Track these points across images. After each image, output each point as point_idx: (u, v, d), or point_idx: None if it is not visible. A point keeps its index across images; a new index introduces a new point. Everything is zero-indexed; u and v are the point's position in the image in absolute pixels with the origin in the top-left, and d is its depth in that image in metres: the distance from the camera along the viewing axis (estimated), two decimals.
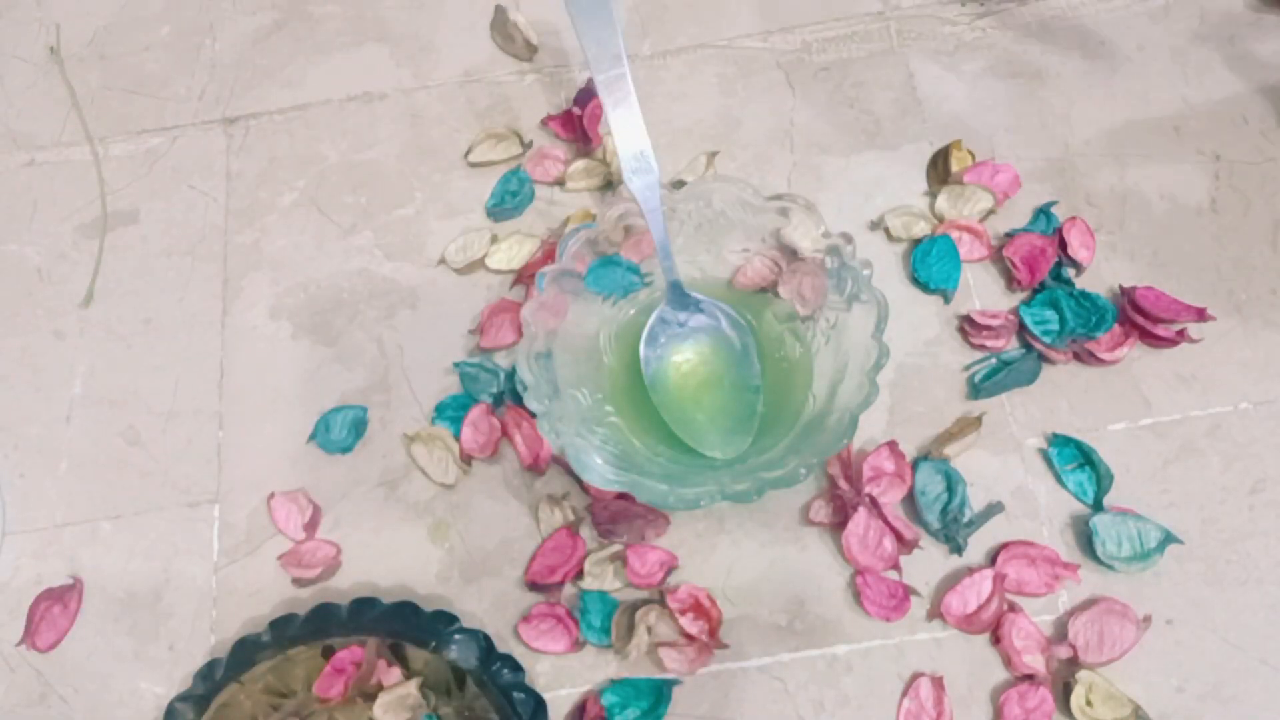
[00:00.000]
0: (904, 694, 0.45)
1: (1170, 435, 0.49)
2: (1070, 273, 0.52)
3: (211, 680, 0.45)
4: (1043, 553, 0.46)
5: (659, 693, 0.45)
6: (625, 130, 0.47)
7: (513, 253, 0.55)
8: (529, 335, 0.46)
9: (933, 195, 0.54)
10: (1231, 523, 0.47)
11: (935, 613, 0.46)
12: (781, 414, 0.48)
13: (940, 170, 0.55)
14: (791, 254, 0.49)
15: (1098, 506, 0.47)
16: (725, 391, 0.49)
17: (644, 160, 0.47)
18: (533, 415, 0.46)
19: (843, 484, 0.47)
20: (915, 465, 0.48)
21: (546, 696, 0.45)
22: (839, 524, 0.47)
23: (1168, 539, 0.46)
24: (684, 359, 0.49)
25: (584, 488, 0.49)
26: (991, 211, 0.54)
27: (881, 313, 0.44)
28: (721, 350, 0.49)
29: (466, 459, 0.50)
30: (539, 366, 0.46)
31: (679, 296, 0.49)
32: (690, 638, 0.45)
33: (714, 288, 0.51)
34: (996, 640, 0.45)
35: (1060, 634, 0.45)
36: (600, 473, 0.44)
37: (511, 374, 0.52)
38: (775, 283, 0.50)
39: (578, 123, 0.57)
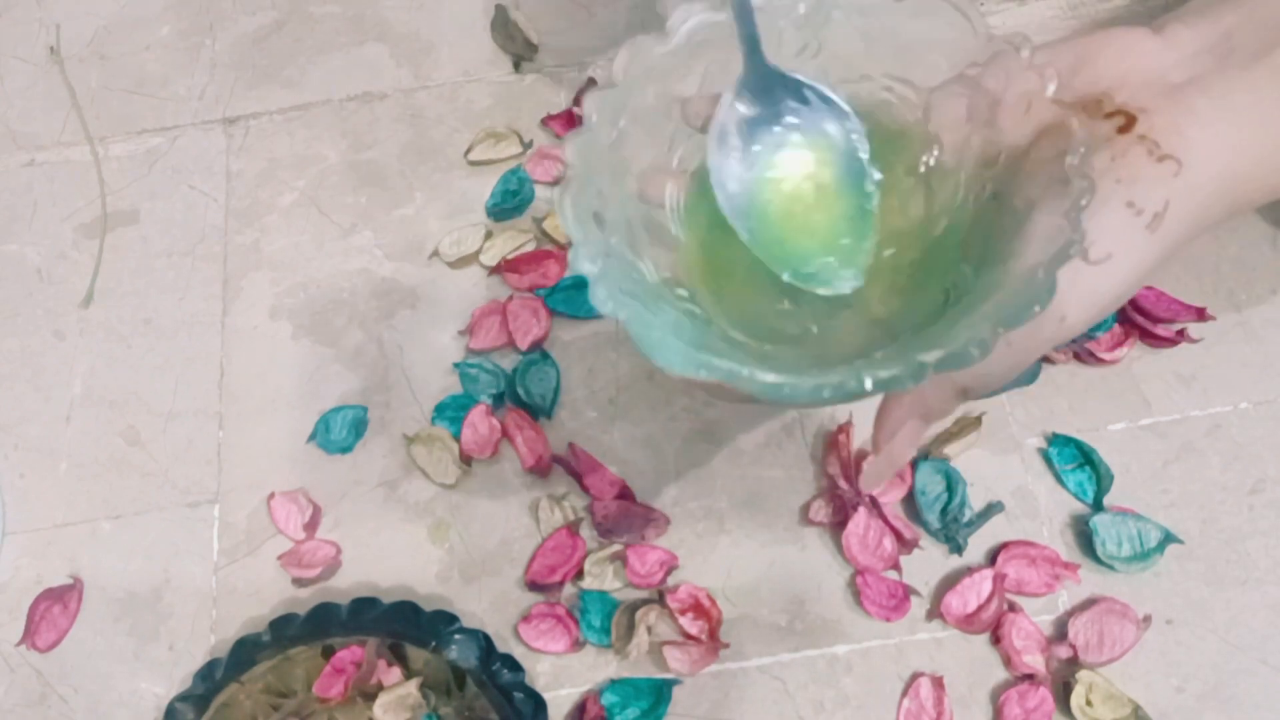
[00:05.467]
0: (904, 694, 0.45)
1: (1170, 435, 0.49)
2: None
3: (211, 680, 0.45)
4: (1043, 553, 0.46)
5: (659, 693, 0.45)
6: None
7: (507, 248, 0.54)
8: (575, 179, 0.33)
9: None
10: (1231, 523, 0.47)
11: (935, 613, 0.46)
12: (925, 272, 0.36)
13: None
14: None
15: (1098, 506, 0.47)
16: (831, 200, 0.37)
17: None
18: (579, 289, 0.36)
19: (843, 484, 0.47)
20: (915, 465, 0.48)
21: (546, 696, 0.45)
22: (839, 524, 0.47)
23: (1168, 539, 0.46)
24: (777, 171, 0.36)
25: (584, 488, 0.49)
26: None
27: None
28: (826, 153, 0.36)
29: (466, 459, 0.50)
30: (590, 221, 0.33)
31: (760, 75, 0.35)
32: (691, 637, 0.45)
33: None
34: (996, 640, 0.45)
35: (1060, 634, 0.45)
36: (683, 356, 0.31)
37: (512, 375, 0.51)
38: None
39: (578, 122, 0.57)
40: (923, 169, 0.37)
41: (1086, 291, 0.33)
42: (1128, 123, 0.34)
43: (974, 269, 0.34)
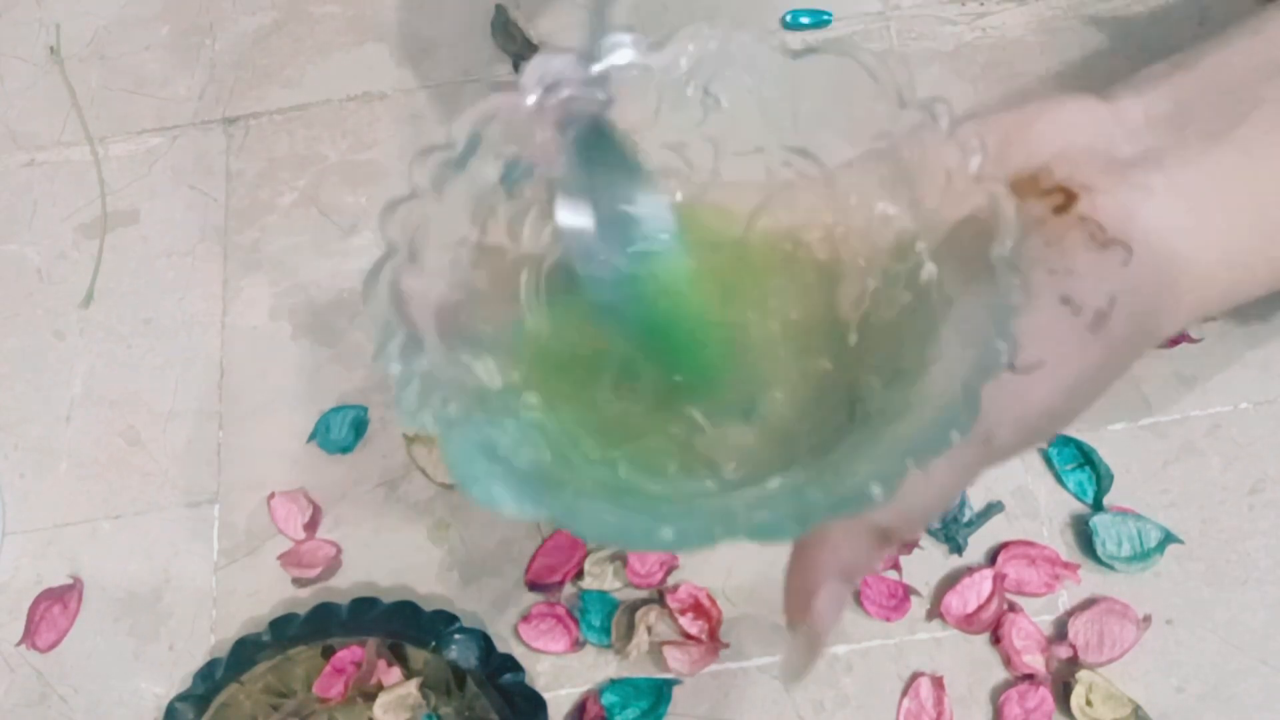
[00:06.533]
0: (904, 694, 0.45)
1: (1170, 435, 0.48)
2: None
3: (211, 680, 0.45)
4: (1043, 553, 0.46)
5: (659, 693, 0.45)
6: None
7: None
8: (396, 257, 0.28)
9: None
10: (1231, 523, 0.47)
11: (935, 613, 0.46)
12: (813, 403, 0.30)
13: None
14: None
15: (1098, 506, 0.47)
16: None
17: None
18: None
19: None
20: None
21: (546, 696, 0.45)
22: None
23: (1168, 539, 0.46)
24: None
25: None
26: None
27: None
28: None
29: None
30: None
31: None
32: (691, 637, 0.45)
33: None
34: (996, 640, 0.45)
35: (1060, 634, 0.45)
36: (509, 500, 0.24)
37: None
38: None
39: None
40: (825, 259, 0.30)
41: (1015, 406, 0.27)
42: (1066, 201, 0.29)
43: (882, 381, 0.28)
